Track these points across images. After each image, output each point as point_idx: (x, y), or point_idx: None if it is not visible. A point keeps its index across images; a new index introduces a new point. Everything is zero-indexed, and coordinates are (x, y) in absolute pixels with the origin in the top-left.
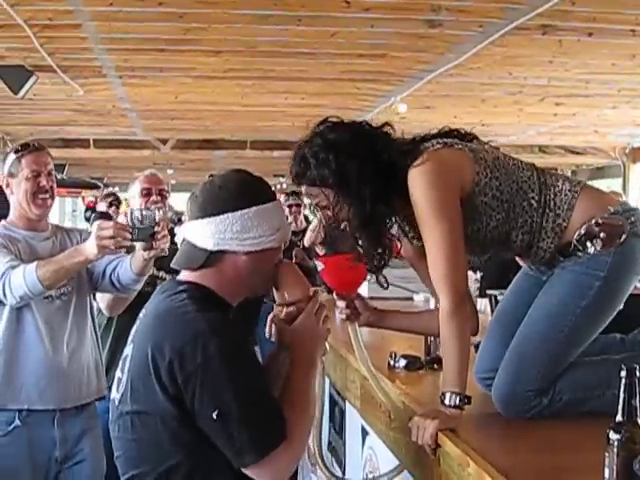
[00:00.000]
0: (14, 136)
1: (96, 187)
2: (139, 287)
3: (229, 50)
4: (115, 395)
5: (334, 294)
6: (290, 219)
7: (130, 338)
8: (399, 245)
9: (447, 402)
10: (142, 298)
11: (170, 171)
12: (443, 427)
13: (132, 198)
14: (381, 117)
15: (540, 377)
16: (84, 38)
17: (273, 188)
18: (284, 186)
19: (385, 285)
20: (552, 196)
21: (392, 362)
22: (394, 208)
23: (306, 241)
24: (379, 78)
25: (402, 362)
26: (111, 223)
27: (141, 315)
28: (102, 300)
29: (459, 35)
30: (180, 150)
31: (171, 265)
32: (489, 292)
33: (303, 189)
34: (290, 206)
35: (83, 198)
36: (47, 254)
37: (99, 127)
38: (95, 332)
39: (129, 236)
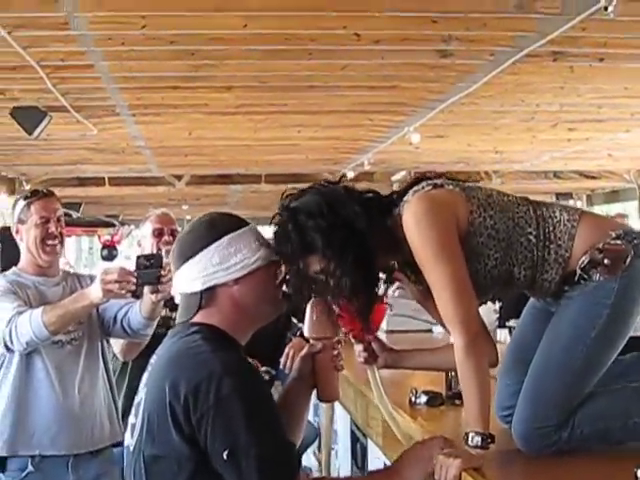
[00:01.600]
0: (29, 176)
1: (112, 225)
2: (150, 332)
3: (241, 86)
4: (129, 441)
5: (351, 337)
6: None
7: (143, 383)
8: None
9: (470, 443)
10: (156, 340)
11: (185, 207)
12: (467, 466)
13: (144, 238)
14: (394, 147)
15: (558, 411)
16: (96, 78)
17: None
18: None
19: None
20: (551, 228)
21: (413, 398)
22: (383, 263)
23: None
24: (391, 109)
25: (423, 398)
26: (117, 267)
27: (152, 360)
28: (116, 345)
29: (470, 64)
30: (195, 186)
31: (176, 321)
32: (508, 324)
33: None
34: None
35: (99, 236)
36: (57, 300)
37: (114, 165)
38: (108, 377)
39: (134, 280)
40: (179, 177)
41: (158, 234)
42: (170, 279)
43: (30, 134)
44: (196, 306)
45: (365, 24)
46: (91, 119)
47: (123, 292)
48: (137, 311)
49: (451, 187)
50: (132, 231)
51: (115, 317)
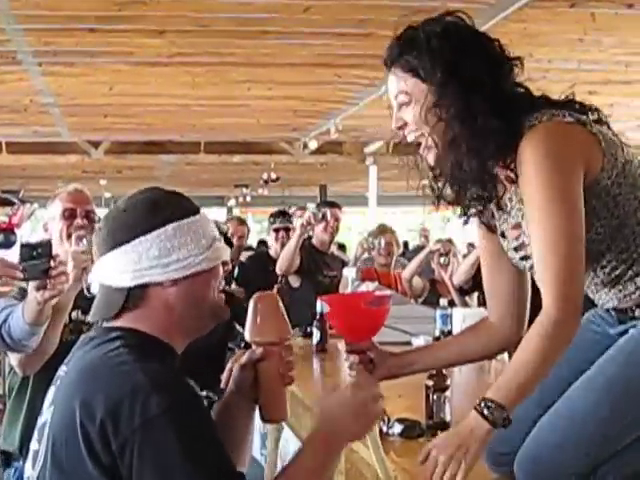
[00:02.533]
0: None
1: (10, 203)
2: (35, 342)
3: (175, 30)
4: (30, 473)
5: (343, 343)
6: (276, 246)
7: (48, 401)
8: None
9: (484, 411)
10: (64, 349)
11: (103, 182)
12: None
13: (51, 220)
14: (369, 111)
15: (586, 459)
16: None
17: (234, 201)
18: (248, 199)
19: None
20: None
21: (385, 428)
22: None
23: (278, 267)
24: (365, 62)
25: (397, 428)
26: None
27: (60, 372)
28: (13, 355)
29: (466, 8)
30: (116, 155)
31: (89, 318)
32: None
33: (393, 75)
34: (277, 230)
35: None
36: None
37: (13, 127)
38: None
39: (20, 275)
40: (96, 144)
41: (69, 216)
42: (62, 273)
43: None
44: (119, 305)
45: None
46: None
47: (5, 290)
48: (19, 315)
49: (595, 132)
50: (35, 210)
51: None
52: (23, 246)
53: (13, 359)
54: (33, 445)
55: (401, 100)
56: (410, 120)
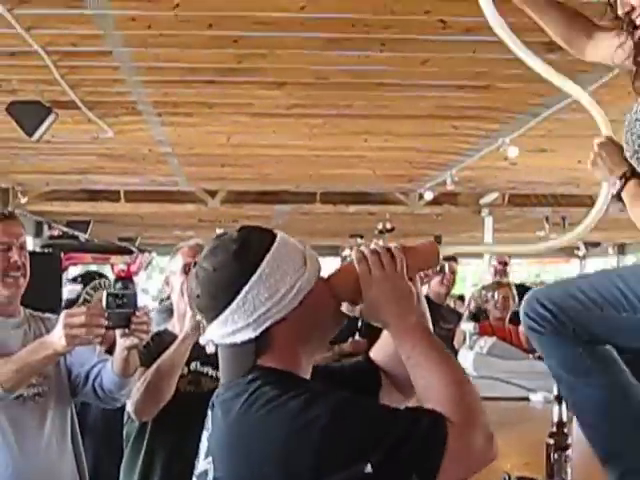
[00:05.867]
0: (27, 186)
1: (128, 252)
2: (125, 395)
3: (294, 82)
4: None
5: None
6: None
7: (202, 452)
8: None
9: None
10: (182, 400)
11: (220, 230)
12: None
13: (172, 274)
14: (485, 163)
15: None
16: (115, 68)
17: (349, 251)
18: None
19: None
20: None
21: None
22: None
23: None
24: (482, 115)
25: None
26: (82, 308)
27: (208, 427)
28: (129, 403)
29: (584, 61)
30: (232, 204)
31: (221, 381)
32: None
33: None
34: None
35: (112, 265)
36: (19, 345)
37: (132, 176)
38: (76, 444)
39: (104, 322)
40: (213, 193)
41: (190, 270)
42: (144, 322)
43: (30, 135)
44: (252, 359)
45: (453, 8)
46: (106, 118)
47: (91, 338)
48: (109, 368)
49: None
50: (153, 259)
51: (87, 376)
52: (109, 295)
53: (129, 405)
54: None
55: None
56: (637, 3)
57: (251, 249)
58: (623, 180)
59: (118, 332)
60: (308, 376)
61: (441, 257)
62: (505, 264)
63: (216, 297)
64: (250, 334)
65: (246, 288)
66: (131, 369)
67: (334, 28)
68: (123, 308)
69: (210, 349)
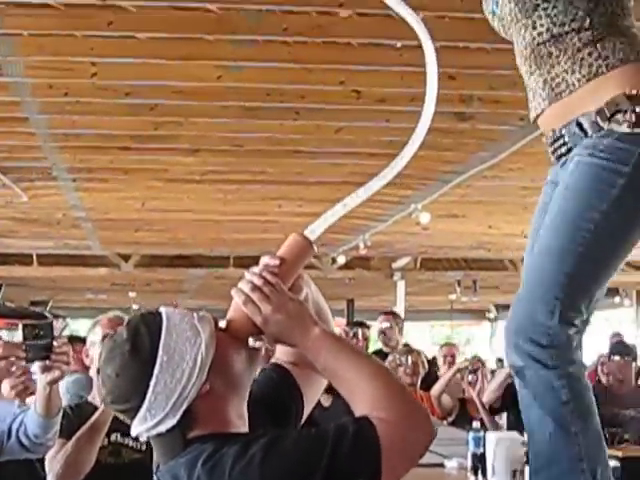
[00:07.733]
0: None
1: (41, 317)
2: (50, 441)
3: (209, 149)
4: None
5: None
6: None
7: None
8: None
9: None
10: (102, 471)
11: (132, 294)
12: None
13: (92, 346)
14: (397, 228)
15: (558, 303)
16: (31, 134)
17: None
18: None
19: None
20: (610, 44)
21: None
22: None
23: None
24: (395, 181)
25: None
26: None
27: None
28: (50, 469)
29: (494, 130)
30: (145, 268)
31: (155, 470)
32: None
33: None
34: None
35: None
36: None
37: (45, 240)
38: None
39: (22, 354)
40: (126, 257)
41: None
42: (64, 352)
43: None
44: (182, 441)
45: (366, 79)
46: (20, 183)
47: (13, 369)
48: (32, 412)
49: None
50: (67, 326)
51: (9, 429)
52: (25, 327)
53: (50, 477)
54: None
55: None
56: None
57: (143, 344)
58: None
59: (38, 368)
60: (245, 415)
61: (313, 242)
62: (453, 356)
63: (128, 400)
64: (172, 421)
65: (152, 383)
66: (54, 408)
67: (250, 97)
68: (41, 340)
69: (143, 439)
